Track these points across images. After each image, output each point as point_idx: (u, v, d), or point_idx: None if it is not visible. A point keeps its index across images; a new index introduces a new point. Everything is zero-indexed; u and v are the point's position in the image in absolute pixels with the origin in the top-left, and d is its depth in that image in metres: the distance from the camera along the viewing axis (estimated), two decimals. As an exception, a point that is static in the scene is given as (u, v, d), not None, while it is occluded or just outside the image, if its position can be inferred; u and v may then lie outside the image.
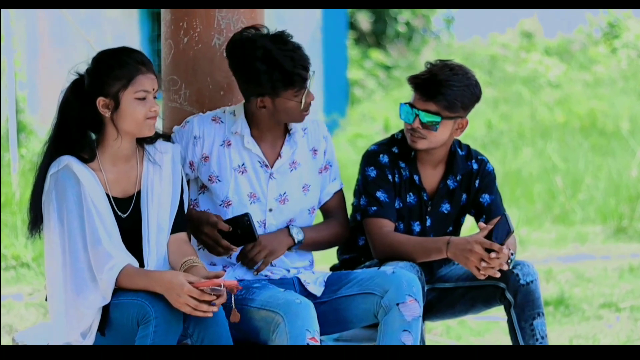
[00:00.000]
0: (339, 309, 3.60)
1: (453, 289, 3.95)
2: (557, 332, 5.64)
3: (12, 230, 7.70)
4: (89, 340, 3.34)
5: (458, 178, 3.96)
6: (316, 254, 3.88)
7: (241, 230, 3.60)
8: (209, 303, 3.24)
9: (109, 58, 3.41)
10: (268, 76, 3.52)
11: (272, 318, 3.39)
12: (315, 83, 3.64)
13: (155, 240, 3.46)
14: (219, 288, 3.24)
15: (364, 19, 16.79)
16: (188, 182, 3.69)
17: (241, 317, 3.41)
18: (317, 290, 3.65)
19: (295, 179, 3.72)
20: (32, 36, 12.91)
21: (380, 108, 14.90)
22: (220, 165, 3.66)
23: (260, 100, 3.59)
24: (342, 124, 14.39)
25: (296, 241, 3.69)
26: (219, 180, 3.66)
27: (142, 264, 3.41)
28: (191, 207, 3.70)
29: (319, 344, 3.34)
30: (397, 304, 3.46)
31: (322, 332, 3.46)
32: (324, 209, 3.84)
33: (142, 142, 3.50)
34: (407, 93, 3.96)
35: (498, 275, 3.65)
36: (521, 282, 3.77)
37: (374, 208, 3.84)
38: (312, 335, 3.33)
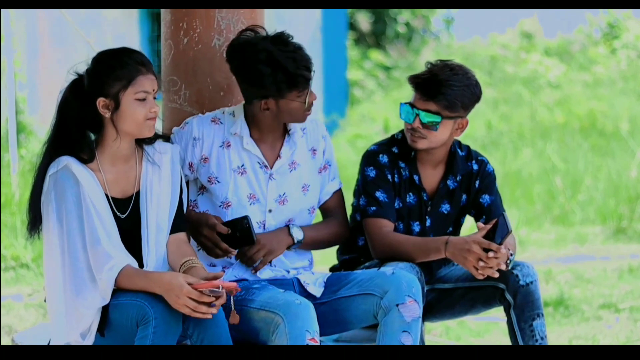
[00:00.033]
0: (339, 310, 3.60)
1: (453, 289, 3.95)
2: (556, 332, 5.64)
3: (12, 231, 7.70)
4: (89, 341, 3.34)
5: (458, 178, 3.96)
6: (316, 255, 3.88)
7: (240, 232, 3.60)
8: (208, 304, 3.24)
9: (109, 58, 3.40)
10: (272, 78, 3.52)
11: (272, 319, 3.39)
12: (315, 83, 3.65)
13: (155, 241, 3.45)
14: (217, 290, 3.24)
15: (363, 19, 16.79)
16: (187, 183, 3.70)
17: (241, 317, 3.41)
18: (316, 291, 3.65)
19: (295, 179, 3.72)
20: (32, 36, 12.91)
21: (379, 109, 14.91)
22: (219, 166, 3.66)
23: (264, 102, 3.59)
24: (342, 125, 14.39)
25: (296, 241, 3.69)
26: (218, 182, 3.66)
27: (141, 265, 3.41)
28: (190, 207, 3.70)
29: (318, 344, 3.34)
30: (397, 305, 3.46)
31: (322, 333, 3.46)
32: (323, 208, 3.85)
33: (141, 142, 3.50)
34: (407, 94, 3.96)
35: (496, 275, 3.65)
36: (521, 282, 3.77)
37: (373, 208, 3.84)
38: (311, 336, 3.33)
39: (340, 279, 3.65)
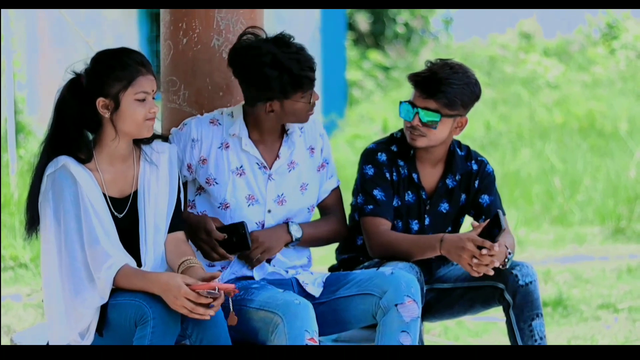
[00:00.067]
0: (338, 310, 3.60)
1: (452, 289, 3.95)
2: (555, 333, 5.64)
3: (11, 231, 7.70)
4: (88, 341, 3.34)
5: (457, 178, 3.96)
6: (315, 255, 3.88)
7: (236, 238, 3.61)
8: (206, 306, 3.24)
9: (109, 59, 3.40)
10: (278, 81, 3.53)
11: (271, 319, 3.39)
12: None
13: (153, 240, 3.46)
14: (214, 291, 3.24)
15: (362, 19, 16.80)
16: (185, 183, 3.70)
17: (240, 317, 3.41)
18: (315, 291, 3.66)
19: (293, 179, 3.73)
20: (32, 37, 12.92)
21: (378, 109, 14.91)
22: (217, 167, 3.66)
23: (269, 104, 3.60)
24: (341, 125, 14.39)
25: (294, 238, 3.70)
26: (217, 183, 3.66)
27: (139, 264, 3.41)
28: (189, 207, 3.71)
29: (317, 344, 3.34)
30: (396, 305, 3.47)
31: (321, 333, 3.46)
32: (322, 206, 3.85)
33: (139, 142, 3.51)
34: (406, 94, 3.96)
35: (491, 273, 3.66)
36: (520, 282, 3.78)
37: (371, 206, 3.84)
38: (311, 335, 3.33)
39: (339, 279, 3.65)
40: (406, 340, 3.45)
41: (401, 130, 3.95)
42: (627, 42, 16.64)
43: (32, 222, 3.42)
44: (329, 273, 3.81)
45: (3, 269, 7.24)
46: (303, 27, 13.59)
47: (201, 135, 3.67)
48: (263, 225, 3.69)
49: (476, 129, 13.02)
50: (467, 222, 4.14)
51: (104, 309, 3.34)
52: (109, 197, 3.43)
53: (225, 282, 3.61)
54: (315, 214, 3.86)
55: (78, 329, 3.34)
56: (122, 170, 3.47)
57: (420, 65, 3.99)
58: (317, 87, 3.64)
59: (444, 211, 3.97)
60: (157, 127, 3.54)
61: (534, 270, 3.82)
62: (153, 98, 3.42)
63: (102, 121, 3.41)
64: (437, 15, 17.71)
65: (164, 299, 3.25)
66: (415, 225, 3.94)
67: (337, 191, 3.87)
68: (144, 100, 3.39)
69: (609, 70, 15.82)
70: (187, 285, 3.24)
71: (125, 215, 3.44)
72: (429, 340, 5.57)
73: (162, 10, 3.96)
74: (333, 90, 14.53)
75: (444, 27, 18.13)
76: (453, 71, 3.82)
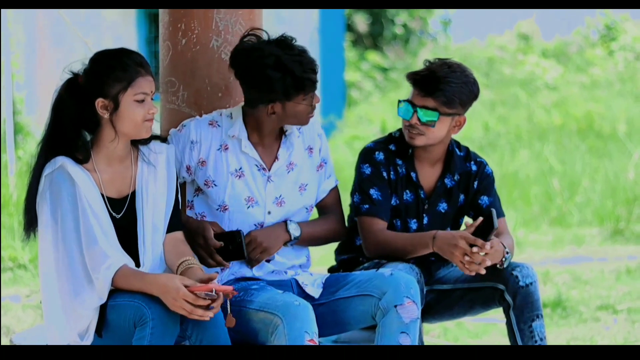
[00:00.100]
0: (337, 311, 3.59)
1: (451, 290, 3.95)
2: (554, 334, 5.64)
3: (10, 232, 7.70)
4: (87, 342, 3.33)
5: (456, 178, 3.96)
6: (314, 256, 3.88)
7: (232, 246, 3.61)
8: (205, 307, 3.24)
9: (108, 59, 3.40)
10: (281, 83, 3.53)
11: (271, 320, 3.39)
12: (313, 85, 3.65)
13: (151, 240, 3.45)
14: (212, 293, 3.24)
15: (361, 20, 16.81)
16: (184, 184, 3.69)
17: (239, 318, 3.41)
18: (315, 292, 3.65)
19: (292, 180, 3.72)
20: (31, 37, 12.91)
21: (377, 110, 14.92)
22: (216, 170, 3.66)
23: (270, 107, 3.59)
24: (339, 126, 14.40)
25: (292, 237, 3.69)
26: (215, 185, 3.66)
27: (137, 264, 3.41)
28: (187, 207, 3.70)
29: (317, 345, 3.34)
30: (395, 306, 3.46)
31: (320, 334, 3.46)
32: (320, 206, 3.85)
33: (137, 142, 3.50)
34: (405, 95, 3.97)
35: (483, 271, 3.66)
36: (520, 283, 3.78)
37: (367, 206, 3.85)
38: (310, 337, 3.33)
39: (339, 280, 3.65)
40: (405, 341, 3.45)
41: (400, 130, 3.95)
42: (625, 43, 16.66)
43: (31, 223, 3.42)
44: (329, 274, 3.81)
45: (2, 270, 7.24)
46: (302, 28, 13.59)
47: (200, 137, 3.66)
48: (262, 226, 3.68)
49: (475, 130, 13.03)
50: (467, 222, 4.15)
51: (103, 309, 3.33)
52: (107, 197, 3.42)
53: (225, 283, 3.61)
54: (314, 214, 3.86)
55: (77, 330, 3.34)
56: (120, 171, 3.46)
57: (418, 67, 4.00)
58: (316, 89, 3.64)
59: (443, 211, 3.97)
60: (156, 128, 3.54)
61: (534, 271, 3.82)
62: (152, 99, 3.42)
63: (101, 122, 3.41)
64: (435, 17, 17.73)
65: (163, 300, 3.24)
66: (413, 225, 3.94)
67: (335, 191, 3.87)
68: (143, 101, 3.39)
69: (607, 72, 15.84)
70: (186, 286, 3.23)
71: (123, 216, 3.44)
72: (428, 342, 5.57)
73: (160, 11, 3.96)
74: (331, 91, 14.53)
75: (442, 29, 18.16)
76: (451, 70, 3.83)
